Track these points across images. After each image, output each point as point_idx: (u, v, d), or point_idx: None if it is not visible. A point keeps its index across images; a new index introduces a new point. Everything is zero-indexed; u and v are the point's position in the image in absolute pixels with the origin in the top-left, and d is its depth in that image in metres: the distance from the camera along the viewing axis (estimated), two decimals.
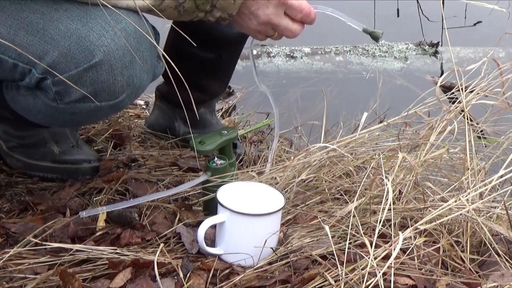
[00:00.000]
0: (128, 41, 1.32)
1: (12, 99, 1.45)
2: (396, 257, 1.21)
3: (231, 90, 2.85)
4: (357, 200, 1.41)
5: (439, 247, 1.35)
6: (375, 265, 1.19)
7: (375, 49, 3.52)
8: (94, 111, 1.37)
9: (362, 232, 1.32)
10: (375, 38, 1.46)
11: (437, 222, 1.33)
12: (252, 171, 1.65)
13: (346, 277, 1.22)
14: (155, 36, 1.40)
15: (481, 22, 3.86)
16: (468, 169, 1.49)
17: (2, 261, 1.29)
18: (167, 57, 1.32)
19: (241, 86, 2.86)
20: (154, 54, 1.41)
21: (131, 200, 1.45)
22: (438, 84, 1.67)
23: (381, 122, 1.84)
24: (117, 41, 1.30)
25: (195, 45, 1.31)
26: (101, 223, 1.45)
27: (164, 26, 1.93)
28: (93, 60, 1.30)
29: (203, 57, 1.83)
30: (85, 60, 1.30)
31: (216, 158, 1.51)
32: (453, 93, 1.69)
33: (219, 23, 1.41)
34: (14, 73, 1.35)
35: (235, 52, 1.91)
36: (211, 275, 1.31)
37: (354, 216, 1.34)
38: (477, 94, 1.61)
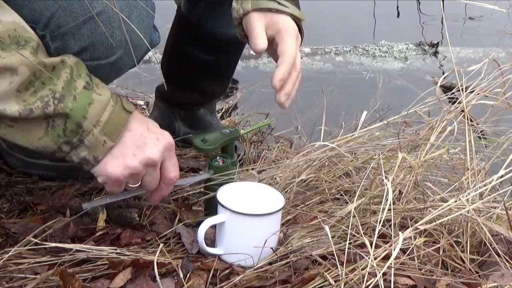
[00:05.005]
0: None
1: None
2: (396, 257, 1.21)
3: (233, 87, 2.86)
4: (357, 200, 1.41)
5: (439, 247, 1.35)
6: (375, 265, 1.19)
7: (375, 49, 3.53)
8: (92, 71, 1.36)
9: (362, 232, 1.31)
10: None
11: (437, 222, 1.33)
12: (252, 169, 1.65)
13: (346, 277, 1.22)
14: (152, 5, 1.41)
15: (481, 26, 3.87)
16: (468, 169, 1.50)
17: (2, 261, 1.29)
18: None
19: (241, 86, 2.86)
20: (151, 16, 1.42)
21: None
22: (438, 84, 1.68)
23: (381, 121, 1.84)
24: None
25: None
26: (101, 223, 1.45)
27: (164, 26, 1.94)
28: (92, 12, 1.31)
29: (202, 58, 1.83)
30: (83, 12, 1.31)
31: (218, 157, 1.51)
32: (453, 93, 1.69)
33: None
34: None
35: (234, 54, 1.90)
36: (211, 275, 1.30)
37: (354, 216, 1.34)
38: (477, 94, 1.61)
